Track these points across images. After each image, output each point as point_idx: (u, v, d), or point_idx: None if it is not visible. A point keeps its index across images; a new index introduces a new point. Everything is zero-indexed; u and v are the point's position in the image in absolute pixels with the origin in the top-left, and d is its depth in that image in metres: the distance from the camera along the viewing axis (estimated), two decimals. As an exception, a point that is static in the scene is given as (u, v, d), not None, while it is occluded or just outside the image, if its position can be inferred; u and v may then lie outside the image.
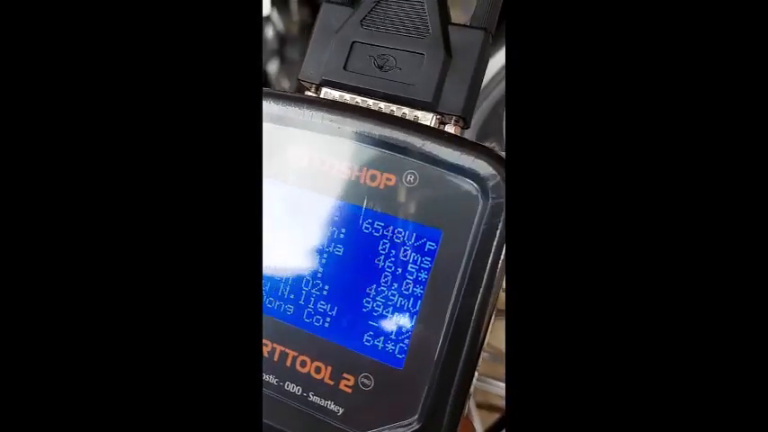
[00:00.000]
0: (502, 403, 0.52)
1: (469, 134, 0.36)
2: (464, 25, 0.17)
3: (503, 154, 0.16)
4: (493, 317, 0.16)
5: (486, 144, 0.36)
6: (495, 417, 0.52)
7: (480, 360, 0.15)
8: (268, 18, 0.44)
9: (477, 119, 0.35)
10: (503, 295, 0.33)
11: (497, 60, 0.33)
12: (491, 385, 0.54)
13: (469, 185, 0.15)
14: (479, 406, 0.53)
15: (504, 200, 0.15)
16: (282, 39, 0.45)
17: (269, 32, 0.44)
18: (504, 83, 0.34)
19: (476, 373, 0.16)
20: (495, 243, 0.15)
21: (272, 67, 0.45)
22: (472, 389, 0.16)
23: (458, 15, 0.18)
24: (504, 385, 0.52)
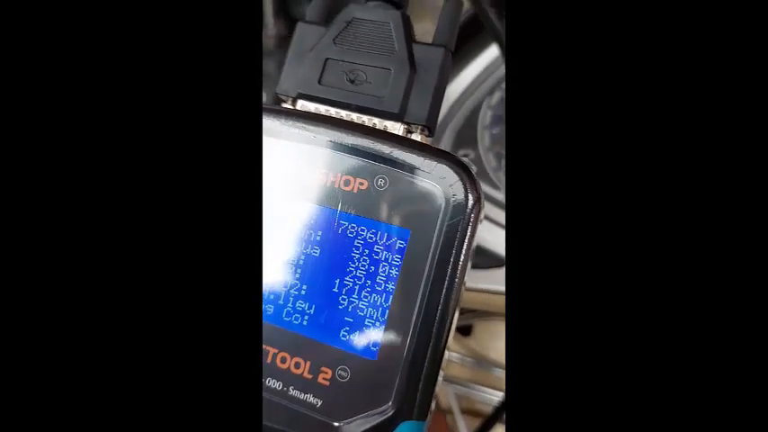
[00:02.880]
0: (486, 409, 0.53)
1: (445, 143, 0.37)
2: (427, 43, 0.18)
3: (466, 160, 0.18)
4: (457, 309, 0.17)
5: (462, 152, 0.37)
6: (480, 422, 0.52)
7: (445, 358, 0.17)
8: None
9: (452, 129, 0.37)
10: (473, 294, 0.34)
11: (470, 73, 0.35)
12: (475, 391, 0.55)
13: (433, 187, 0.17)
14: (464, 412, 0.54)
15: (465, 199, 0.17)
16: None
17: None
18: (476, 94, 0.36)
19: (443, 363, 0.17)
20: (456, 240, 0.17)
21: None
22: (440, 377, 0.17)
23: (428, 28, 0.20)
24: (488, 390, 0.52)
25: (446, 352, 0.17)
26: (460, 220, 0.16)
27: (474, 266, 0.32)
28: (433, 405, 0.17)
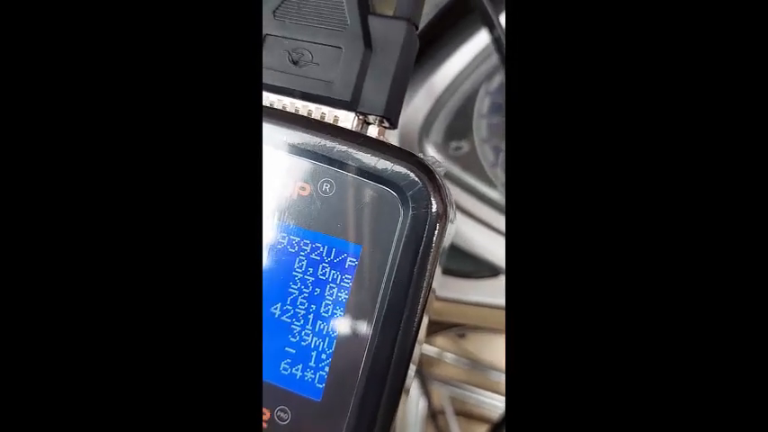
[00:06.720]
0: (480, 411, 0.51)
1: (435, 134, 0.34)
2: (386, 16, 0.15)
3: (431, 160, 0.15)
4: (422, 336, 0.14)
5: (454, 145, 0.34)
6: (474, 426, 0.50)
7: (403, 399, 0.14)
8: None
9: (443, 118, 0.33)
10: (463, 307, 0.31)
11: (465, 53, 0.31)
12: (469, 393, 0.53)
13: (390, 195, 0.14)
14: (458, 414, 0.52)
15: (427, 210, 0.13)
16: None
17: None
18: (472, 78, 0.32)
19: (401, 398, 0.14)
20: (419, 257, 0.14)
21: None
22: (397, 419, 0.14)
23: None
24: (481, 392, 0.50)
25: (405, 388, 0.14)
26: (423, 235, 0.13)
27: (465, 276, 0.28)
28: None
